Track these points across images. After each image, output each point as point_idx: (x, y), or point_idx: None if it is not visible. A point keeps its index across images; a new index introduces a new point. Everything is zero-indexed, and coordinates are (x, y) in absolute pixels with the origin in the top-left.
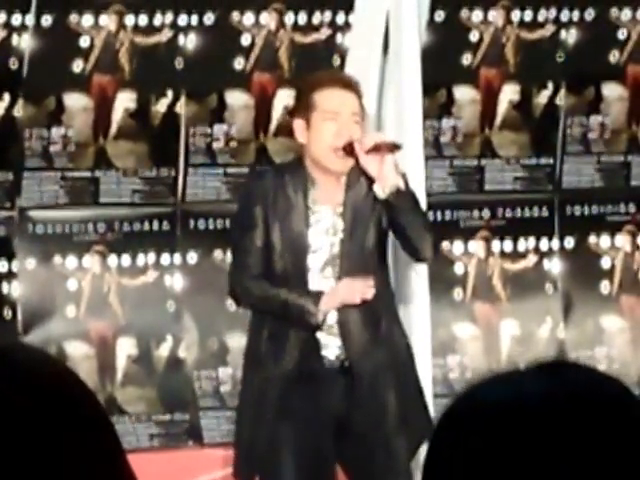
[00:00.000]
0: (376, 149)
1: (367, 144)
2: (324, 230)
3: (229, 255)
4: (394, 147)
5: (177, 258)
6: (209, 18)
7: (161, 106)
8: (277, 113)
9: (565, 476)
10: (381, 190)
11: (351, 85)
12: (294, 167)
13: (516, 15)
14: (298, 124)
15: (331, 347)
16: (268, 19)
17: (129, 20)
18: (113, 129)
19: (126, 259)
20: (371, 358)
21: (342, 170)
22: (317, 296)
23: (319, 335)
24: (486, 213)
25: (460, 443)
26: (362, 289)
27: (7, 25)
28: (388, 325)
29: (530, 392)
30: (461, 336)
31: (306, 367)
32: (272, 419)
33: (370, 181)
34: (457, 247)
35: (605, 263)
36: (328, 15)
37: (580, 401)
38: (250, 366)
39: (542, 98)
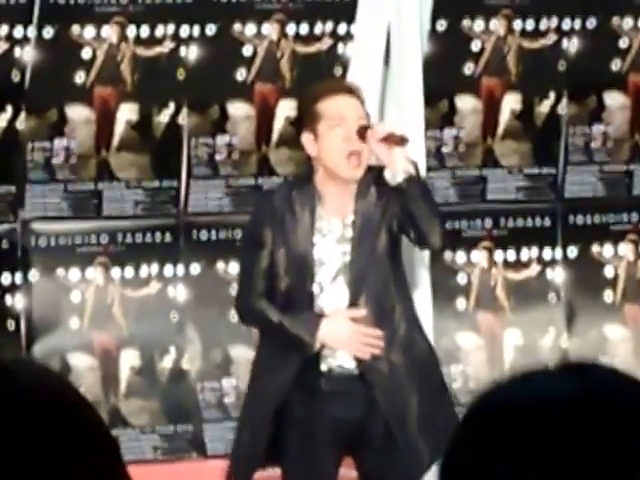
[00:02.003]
0: (386, 139)
1: (379, 133)
2: (334, 240)
3: (232, 266)
4: (402, 140)
5: (180, 269)
6: (211, 29)
7: (163, 117)
8: (279, 124)
9: (594, 476)
10: (392, 176)
11: (352, 91)
12: (303, 182)
13: (518, 24)
14: (307, 138)
15: (345, 356)
16: (270, 29)
17: (131, 31)
18: (115, 141)
19: (129, 271)
20: (387, 362)
21: (354, 178)
22: (315, 322)
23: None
24: (488, 223)
25: (482, 443)
26: (372, 345)
27: (9, 37)
28: (407, 329)
29: (555, 392)
30: (464, 346)
31: (307, 379)
32: (269, 430)
33: (381, 188)
34: (460, 257)
35: (608, 272)
36: (330, 25)
37: (607, 401)
38: (253, 378)
39: (544, 107)
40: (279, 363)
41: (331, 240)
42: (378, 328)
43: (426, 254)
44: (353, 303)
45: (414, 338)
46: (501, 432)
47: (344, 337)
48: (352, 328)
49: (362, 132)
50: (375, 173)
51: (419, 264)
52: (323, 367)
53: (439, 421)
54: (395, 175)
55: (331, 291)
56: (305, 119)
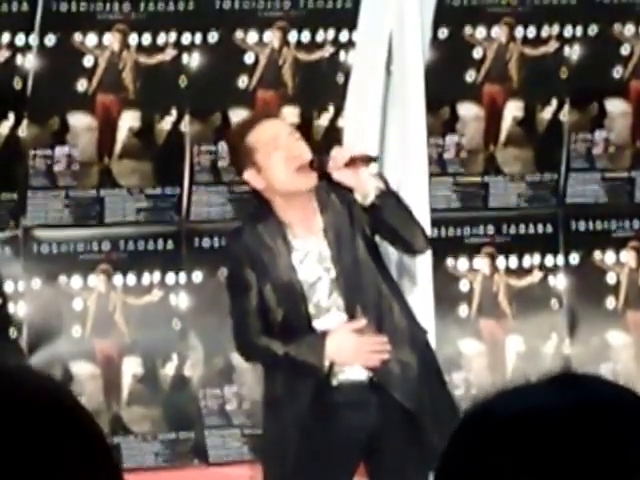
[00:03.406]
0: (352, 163)
1: (341, 160)
2: (315, 260)
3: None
4: (369, 160)
5: (182, 277)
6: (213, 37)
7: (165, 125)
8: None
9: None
10: (363, 197)
11: (273, 114)
12: (264, 215)
13: (519, 32)
14: (249, 174)
15: (355, 368)
16: (272, 37)
17: (133, 39)
18: (118, 148)
19: (131, 278)
20: (397, 362)
21: (309, 186)
22: (321, 344)
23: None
24: (491, 229)
25: (475, 457)
26: (379, 352)
27: (11, 45)
28: (407, 324)
29: (546, 404)
30: (466, 352)
31: (320, 395)
32: (296, 461)
33: (338, 194)
34: (462, 264)
35: (610, 279)
36: (331, 33)
37: (598, 410)
38: (269, 411)
39: (546, 114)
40: (293, 392)
41: (312, 260)
42: (381, 331)
43: (428, 261)
44: (351, 314)
45: (414, 331)
46: (493, 444)
47: (351, 351)
48: (357, 340)
49: (316, 163)
50: (326, 181)
51: (421, 271)
52: (334, 382)
53: (442, 412)
54: (367, 195)
55: (329, 308)
56: (240, 158)
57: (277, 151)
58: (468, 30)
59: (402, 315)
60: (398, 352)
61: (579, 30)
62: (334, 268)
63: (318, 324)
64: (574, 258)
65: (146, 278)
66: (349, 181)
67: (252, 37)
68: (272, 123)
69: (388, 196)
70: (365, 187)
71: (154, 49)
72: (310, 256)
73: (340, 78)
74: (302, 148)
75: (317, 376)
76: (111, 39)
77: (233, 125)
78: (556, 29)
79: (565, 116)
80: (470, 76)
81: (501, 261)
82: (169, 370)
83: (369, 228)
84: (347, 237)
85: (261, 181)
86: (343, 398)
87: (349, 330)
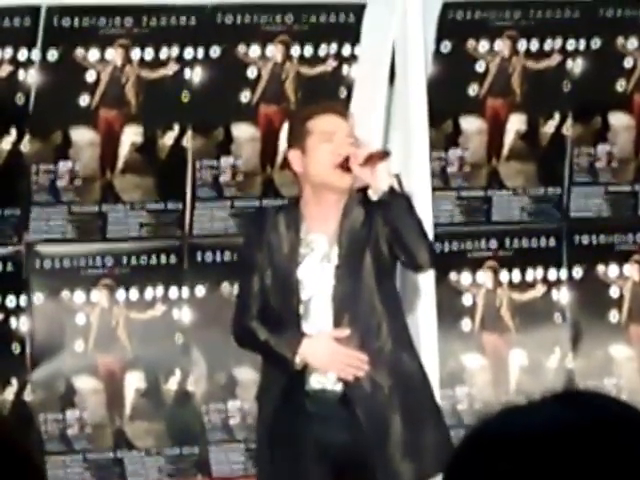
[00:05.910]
0: (370, 159)
1: (361, 156)
2: (319, 259)
3: (237, 288)
4: (385, 155)
5: (185, 291)
6: (215, 51)
7: (168, 140)
8: (284, 145)
9: None
10: (375, 192)
11: (343, 112)
12: (289, 205)
13: (522, 45)
14: (294, 154)
15: (331, 378)
16: (274, 51)
17: (135, 54)
18: (120, 163)
19: (134, 293)
20: (371, 382)
21: (345, 186)
22: (297, 340)
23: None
24: (494, 243)
25: (484, 476)
26: (354, 367)
27: (13, 60)
28: (394, 348)
29: (553, 421)
30: (469, 367)
31: (294, 398)
32: (263, 453)
33: (368, 210)
34: (465, 278)
35: (614, 292)
36: (334, 47)
37: (603, 427)
38: (257, 401)
39: (549, 128)
40: (269, 382)
41: (316, 259)
42: (363, 348)
43: (431, 276)
44: (337, 323)
45: (401, 357)
46: (501, 464)
47: (325, 356)
48: (334, 348)
49: (345, 164)
50: (362, 195)
51: (424, 285)
52: (308, 387)
53: (426, 443)
54: (378, 190)
55: (316, 311)
56: (294, 136)
57: (327, 143)
58: (471, 44)
59: (390, 338)
60: (374, 372)
61: (582, 43)
62: (334, 273)
63: (305, 325)
64: (577, 272)
65: (149, 293)
66: (366, 177)
67: (254, 51)
68: (337, 120)
69: (399, 197)
70: (379, 184)
71: (156, 64)
72: (315, 254)
73: (343, 92)
74: (351, 151)
75: (288, 371)
76: (113, 54)
77: (303, 107)
78: (559, 42)
79: (568, 130)
80: (473, 90)
81: (504, 275)
82: (172, 385)
83: (387, 247)
84: (357, 248)
85: (301, 164)
86: (315, 408)
87: (329, 336)
